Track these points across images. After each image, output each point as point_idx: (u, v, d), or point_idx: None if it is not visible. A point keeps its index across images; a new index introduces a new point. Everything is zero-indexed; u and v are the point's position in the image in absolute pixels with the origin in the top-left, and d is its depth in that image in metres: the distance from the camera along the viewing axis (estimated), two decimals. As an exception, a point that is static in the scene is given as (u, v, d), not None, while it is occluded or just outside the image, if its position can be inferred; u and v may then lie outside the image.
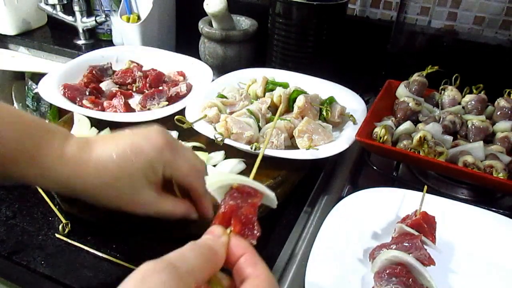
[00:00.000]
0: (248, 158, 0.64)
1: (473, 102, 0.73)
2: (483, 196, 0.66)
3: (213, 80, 0.83)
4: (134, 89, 0.86)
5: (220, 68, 0.94)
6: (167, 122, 0.70)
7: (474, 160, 0.60)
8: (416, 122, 0.71)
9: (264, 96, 0.77)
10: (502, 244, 0.53)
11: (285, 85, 0.78)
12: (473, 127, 0.69)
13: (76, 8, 1.14)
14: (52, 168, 0.42)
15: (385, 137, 0.64)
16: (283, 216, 0.62)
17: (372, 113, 0.70)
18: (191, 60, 0.92)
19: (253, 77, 0.82)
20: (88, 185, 0.43)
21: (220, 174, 0.36)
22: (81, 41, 1.20)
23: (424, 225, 0.49)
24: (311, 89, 0.77)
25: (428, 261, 0.46)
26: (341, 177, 0.69)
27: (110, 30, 1.18)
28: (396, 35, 0.95)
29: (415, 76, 0.78)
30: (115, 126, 0.70)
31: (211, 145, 0.67)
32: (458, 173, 0.61)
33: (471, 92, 0.75)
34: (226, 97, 0.76)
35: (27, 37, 1.22)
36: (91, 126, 0.70)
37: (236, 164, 0.63)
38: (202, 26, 0.93)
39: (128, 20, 1.05)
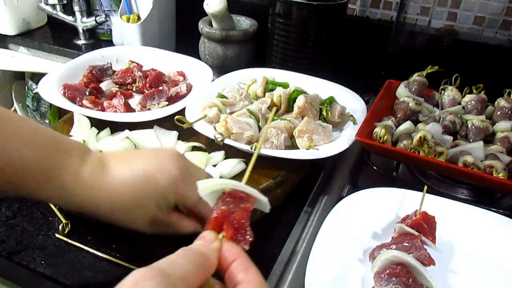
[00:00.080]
0: (248, 158, 0.64)
1: (473, 102, 0.73)
2: (483, 196, 0.66)
3: (213, 80, 0.83)
4: (134, 89, 0.86)
5: (220, 68, 0.94)
6: (167, 122, 0.70)
7: (474, 160, 0.60)
8: (416, 122, 0.71)
9: (264, 96, 0.77)
10: (502, 244, 0.53)
11: (285, 85, 0.78)
12: (473, 127, 0.69)
13: (76, 8, 1.14)
14: (68, 191, 0.43)
15: (385, 137, 0.64)
16: (283, 216, 0.63)
17: (372, 113, 0.70)
18: (191, 60, 0.92)
19: (253, 77, 0.82)
20: (101, 210, 0.45)
21: (212, 179, 0.36)
22: (81, 41, 1.20)
23: (424, 225, 0.49)
24: (311, 89, 0.77)
25: (428, 261, 0.46)
26: (341, 177, 0.69)
27: (110, 30, 1.18)
28: (396, 35, 0.95)
29: (415, 76, 0.78)
30: (115, 126, 0.70)
31: (211, 145, 0.67)
32: (458, 173, 0.61)
33: (471, 92, 0.75)
34: (226, 97, 0.76)
35: (27, 37, 1.22)
36: (91, 126, 0.70)
37: (236, 164, 0.63)
38: (202, 26, 0.93)
39: (128, 20, 1.05)
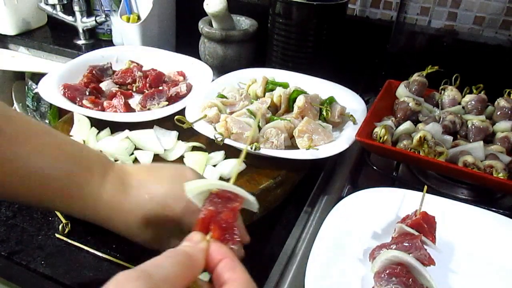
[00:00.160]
0: (248, 158, 0.64)
1: (473, 102, 0.73)
2: (483, 196, 0.66)
3: (213, 80, 0.83)
4: (134, 89, 0.86)
5: (220, 68, 0.94)
6: (167, 122, 0.70)
7: (474, 160, 0.60)
8: (416, 122, 0.71)
9: (264, 96, 0.77)
10: (502, 244, 0.53)
11: (285, 85, 0.78)
12: (473, 127, 0.69)
13: (76, 8, 1.14)
14: (87, 209, 0.44)
15: (385, 137, 0.64)
16: (283, 216, 0.63)
17: (372, 113, 0.70)
18: (191, 60, 0.92)
19: (253, 77, 0.82)
20: (119, 229, 0.46)
21: (200, 180, 0.36)
22: (81, 41, 1.20)
23: (424, 225, 0.49)
24: (311, 89, 0.77)
25: (428, 261, 0.45)
26: (341, 177, 0.69)
27: (110, 30, 1.18)
28: (396, 35, 0.95)
29: (415, 76, 0.78)
30: (115, 126, 0.70)
31: (211, 145, 0.67)
32: (458, 173, 0.61)
33: (471, 92, 0.75)
34: (226, 97, 0.76)
35: (27, 37, 1.22)
36: (91, 126, 0.70)
37: (236, 164, 0.63)
38: (202, 26, 0.93)
39: (128, 20, 1.05)
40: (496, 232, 0.54)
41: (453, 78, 0.77)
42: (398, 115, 0.73)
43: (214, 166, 0.64)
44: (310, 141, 0.63)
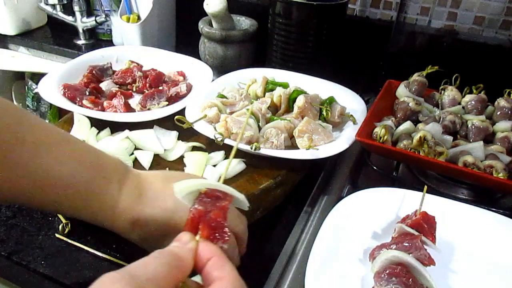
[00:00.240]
0: (248, 158, 0.64)
1: (473, 102, 0.73)
2: (483, 196, 0.66)
3: (213, 80, 0.83)
4: (134, 89, 0.86)
5: (220, 68, 0.94)
6: (167, 122, 0.70)
7: (474, 160, 0.60)
8: (416, 122, 0.71)
9: (264, 96, 0.77)
10: (502, 244, 0.53)
11: (285, 85, 0.78)
12: (473, 127, 0.69)
13: (76, 8, 1.14)
14: (103, 218, 0.45)
15: (385, 137, 0.64)
16: (283, 216, 0.63)
17: (372, 113, 0.70)
18: (191, 60, 0.92)
19: (253, 77, 0.82)
20: (131, 237, 0.47)
21: (189, 180, 0.36)
22: (81, 41, 1.20)
23: (424, 225, 0.49)
24: (311, 89, 0.77)
25: (428, 261, 0.45)
26: (341, 177, 0.69)
27: (110, 30, 1.18)
28: (396, 35, 0.95)
29: (415, 76, 0.78)
30: (115, 126, 0.70)
31: (211, 145, 0.67)
32: (458, 173, 0.61)
33: (471, 92, 0.75)
34: (226, 97, 0.76)
35: (27, 37, 1.22)
36: (91, 126, 0.70)
37: (236, 164, 0.63)
38: (202, 26, 0.93)
39: (128, 20, 1.05)
40: (496, 232, 0.54)
41: (453, 78, 0.77)
42: (398, 115, 0.73)
43: (214, 166, 0.64)
44: (310, 141, 0.63)
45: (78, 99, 0.77)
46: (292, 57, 0.90)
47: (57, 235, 0.56)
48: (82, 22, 1.16)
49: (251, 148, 0.62)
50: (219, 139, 0.63)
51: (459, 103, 0.75)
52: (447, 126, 0.69)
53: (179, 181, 0.47)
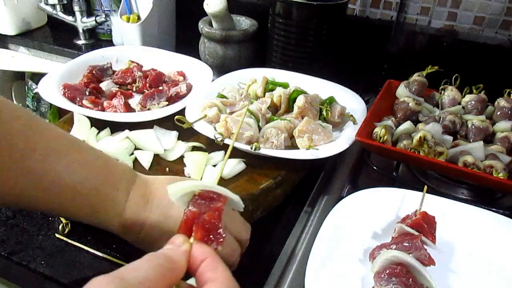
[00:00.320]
0: (248, 158, 0.64)
1: (473, 102, 0.73)
2: (483, 196, 0.66)
3: (213, 80, 0.83)
4: (134, 89, 0.86)
5: (220, 68, 0.94)
6: (167, 122, 0.70)
7: (474, 160, 0.60)
8: (416, 122, 0.71)
9: (264, 96, 0.77)
10: (502, 244, 0.53)
11: (285, 85, 0.78)
12: (473, 127, 0.69)
13: (76, 8, 1.14)
14: (109, 224, 0.46)
15: (385, 137, 0.64)
16: (283, 216, 0.62)
17: (372, 113, 0.70)
18: (191, 60, 0.92)
19: (253, 77, 0.82)
20: (136, 243, 0.48)
21: (183, 182, 0.36)
22: (81, 41, 1.20)
23: (424, 225, 0.49)
24: (311, 89, 0.77)
25: (428, 261, 0.45)
26: (341, 177, 0.69)
27: (110, 30, 1.18)
28: (396, 35, 0.95)
29: (415, 76, 0.78)
30: (115, 126, 0.70)
31: (211, 145, 0.66)
32: (458, 173, 0.61)
33: (471, 92, 0.75)
34: (226, 97, 0.76)
35: (27, 37, 1.22)
36: (91, 126, 0.70)
37: (236, 164, 0.63)
38: (202, 26, 0.93)
39: (128, 20, 1.05)
40: (496, 232, 0.54)
41: (453, 78, 0.77)
42: (398, 115, 0.73)
43: (214, 166, 0.64)
44: (310, 141, 0.63)
45: (78, 99, 0.77)
46: (292, 57, 0.90)
47: (57, 235, 0.56)
48: (82, 22, 1.16)
49: (251, 148, 0.62)
50: (219, 139, 0.63)
51: (459, 103, 0.75)
52: (447, 126, 0.69)
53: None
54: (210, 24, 0.94)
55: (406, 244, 0.47)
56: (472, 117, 0.71)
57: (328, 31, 0.87)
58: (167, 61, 0.93)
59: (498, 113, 0.71)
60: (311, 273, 0.47)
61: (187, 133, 0.68)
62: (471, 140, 0.68)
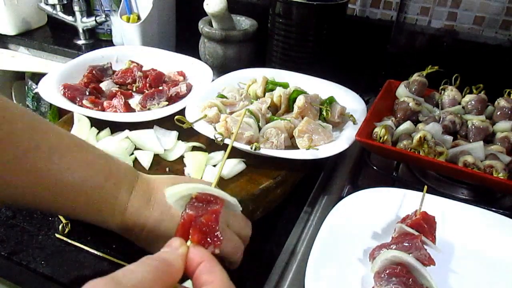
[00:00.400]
0: (248, 158, 0.64)
1: (473, 102, 0.73)
2: (483, 196, 0.66)
3: (213, 80, 0.83)
4: (134, 89, 0.86)
5: (220, 68, 0.94)
6: (167, 122, 0.70)
7: (474, 160, 0.60)
8: (416, 122, 0.71)
9: (264, 96, 0.77)
10: (502, 244, 0.53)
11: (285, 85, 0.78)
12: (473, 127, 0.69)
13: (76, 8, 1.14)
14: (111, 223, 0.46)
15: (385, 137, 0.64)
16: (283, 216, 0.62)
17: (372, 113, 0.70)
18: (191, 60, 0.92)
19: (253, 77, 0.81)
20: (138, 242, 0.48)
21: (180, 185, 0.36)
22: (81, 41, 1.20)
23: (424, 225, 0.49)
24: (311, 89, 0.77)
25: (428, 261, 0.45)
26: (341, 177, 0.69)
27: (110, 30, 1.18)
28: (396, 35, 0.95)
29: (415, 76, 0.78)
30: (115, 126, 0.70)
31: (211, 145, 0.67)
32: (458, 173, 0.61)
33: (471, 92, 0.75)
34: (226, 97, 0.76)
35: (27, 37, 1.22)
36: (91, 126, 0.70)
37: (236, 164, 0.63)
38: (202, 26, 0.93)
39: (128, 20, 1.05)
40: (496, 232, 0.54)
41: (453, 78, 0.77)
42: (398, 115, 0.73)
43: (214, 166, 0.64)
44: (310, 141, 0.63)
45: (78, 99, 0.77)
46: (292, 57, 0.90)
47: (57, 235, 0.56)
48: (82, 22, 1.16)
49: (251, 148, 0.62)
50: (219, 139, 0.63)
51: (459, 103, 0.75)
52: (447, 126, 0.69)
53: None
54: (210, 24, 0.94)
55: (406, 244, 0.47)
56: (472, 117, 0.71)
57: (328, 31, 0.87)
58: (167, 61, 0.93)
59: (498, 113, 0.71)
60: (311, 273, 0.47)
61: (187, 133, 0.68)
62: (471, 140, 0.68)
